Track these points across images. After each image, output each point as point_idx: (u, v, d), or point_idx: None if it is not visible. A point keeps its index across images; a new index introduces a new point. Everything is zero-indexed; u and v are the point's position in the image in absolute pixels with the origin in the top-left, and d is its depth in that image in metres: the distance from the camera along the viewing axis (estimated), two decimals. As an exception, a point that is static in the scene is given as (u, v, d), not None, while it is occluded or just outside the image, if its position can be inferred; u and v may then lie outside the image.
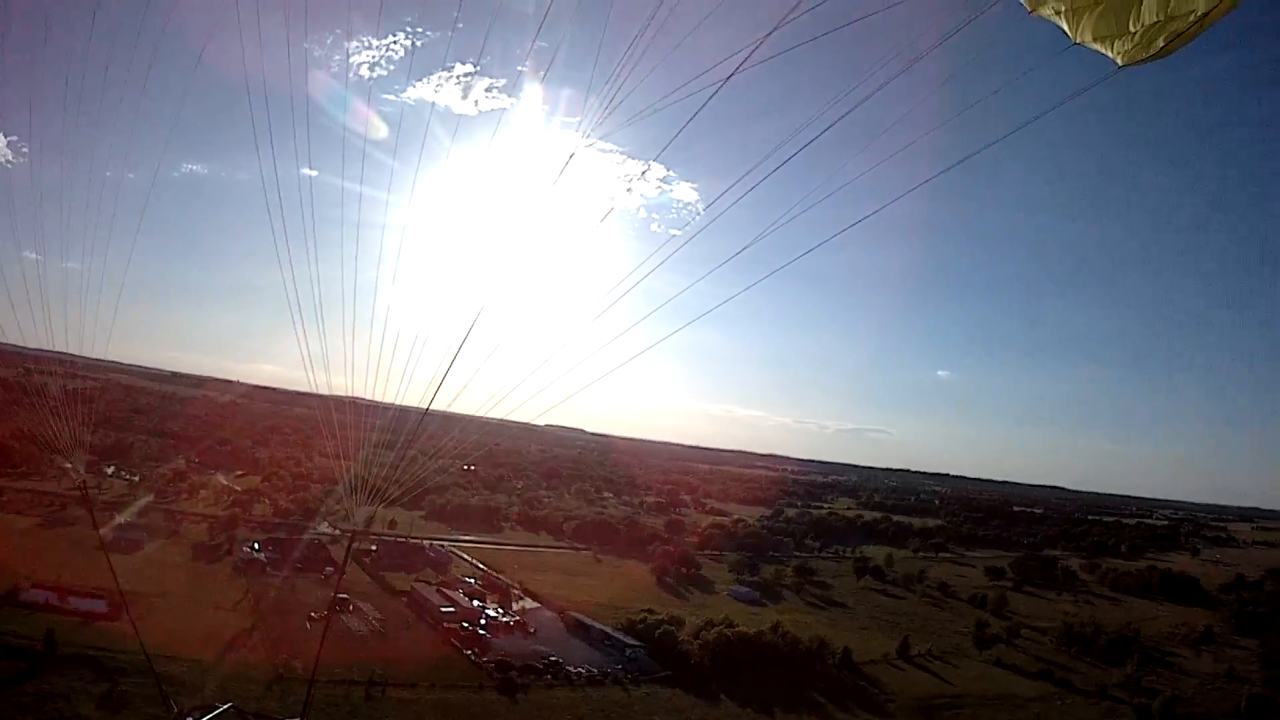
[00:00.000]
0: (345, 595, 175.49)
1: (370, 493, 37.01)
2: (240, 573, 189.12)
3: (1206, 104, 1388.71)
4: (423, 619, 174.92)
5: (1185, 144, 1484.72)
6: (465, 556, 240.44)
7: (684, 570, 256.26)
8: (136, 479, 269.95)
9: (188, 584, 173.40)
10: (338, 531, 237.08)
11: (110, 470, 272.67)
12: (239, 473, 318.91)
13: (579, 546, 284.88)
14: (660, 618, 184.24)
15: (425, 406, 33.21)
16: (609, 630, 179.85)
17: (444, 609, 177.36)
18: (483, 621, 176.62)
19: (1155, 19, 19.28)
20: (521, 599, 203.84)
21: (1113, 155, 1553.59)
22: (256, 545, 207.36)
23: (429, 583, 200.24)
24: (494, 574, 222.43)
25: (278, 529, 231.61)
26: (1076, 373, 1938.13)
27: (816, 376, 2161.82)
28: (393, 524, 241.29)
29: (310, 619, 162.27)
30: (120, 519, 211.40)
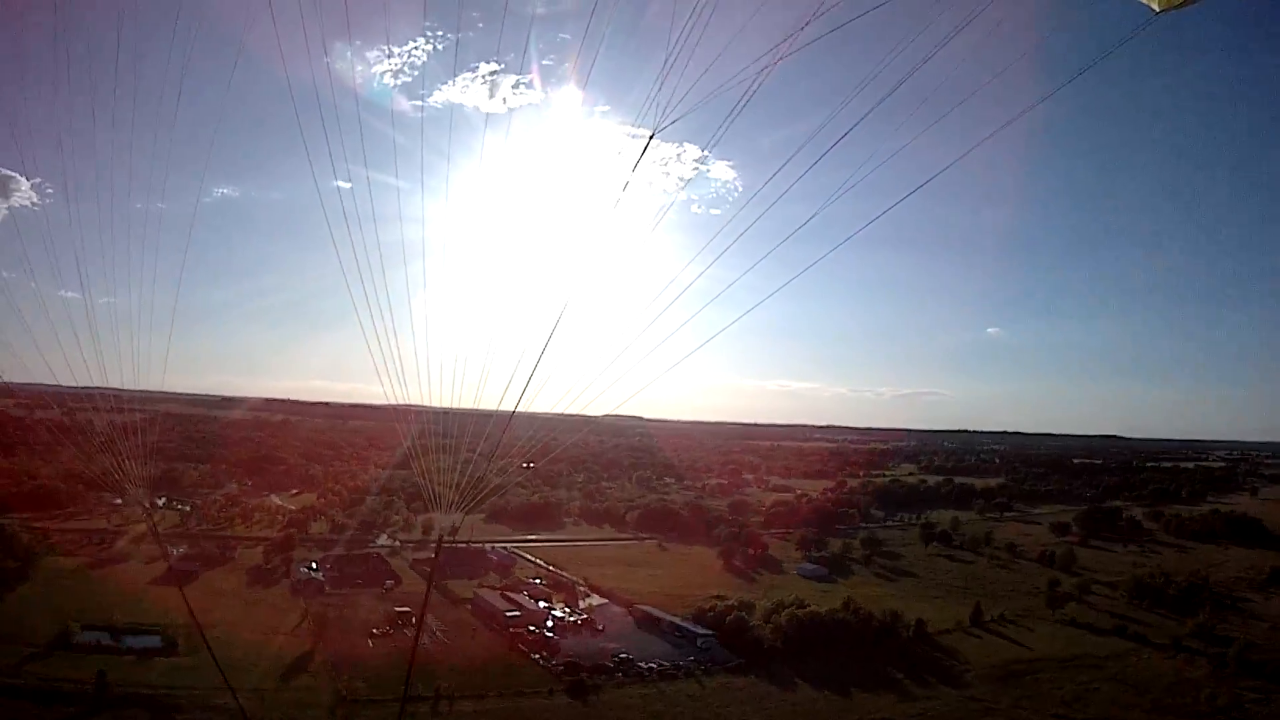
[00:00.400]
0: (407, 608, 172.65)
1: (453, 501, 37.47)
2: (298, 594, 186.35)
3: (1263, 44, 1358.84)
4: (488, 625, 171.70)
5: (1240, 81, 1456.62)
6: (528, 556, 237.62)
7: (751, 551, 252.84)
8: (188, 509, 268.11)
9: (244, 611, 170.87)
10: (398, 543, 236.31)
11: (162, 501, 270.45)
12: (294, 492, 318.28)
13: (643, 536, 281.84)
14: (730, 603, 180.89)
15: (511, 410, 34.50)
16: (678, 621, 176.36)
17: (509, 613, 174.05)
18: (549, 623, 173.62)
19: None
20: (588, 596, 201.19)
21: (1160, 98, 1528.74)
22: (314, 565, 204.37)
23: (493, 587, 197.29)
24: (558, 572, 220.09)
25: (335, 546, 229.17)
26: (1126, 319, 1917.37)
27: (867, 344, 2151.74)
28: (454, 529, 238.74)
29: (372, 636, 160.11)
30: (175, 551, 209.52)
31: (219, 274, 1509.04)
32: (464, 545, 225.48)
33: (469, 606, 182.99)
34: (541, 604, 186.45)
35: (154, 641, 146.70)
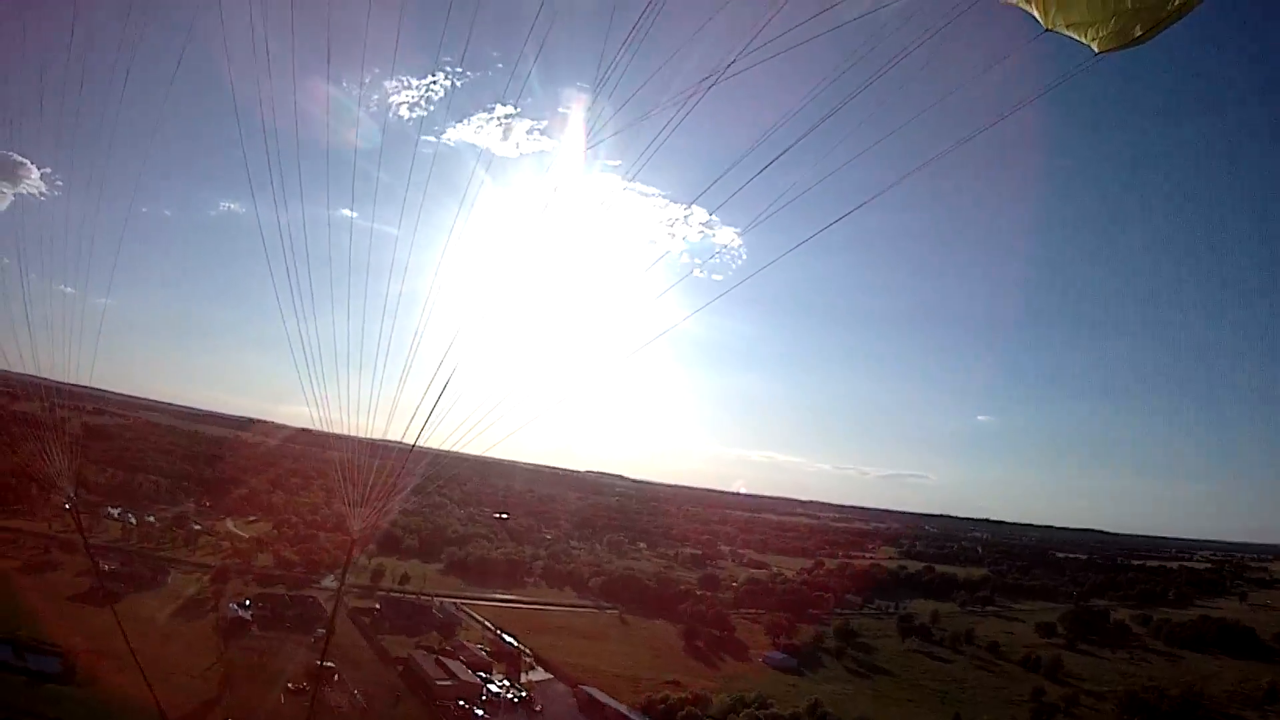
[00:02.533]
0: (331, 664, 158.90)
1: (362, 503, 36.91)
2: (221, 633, 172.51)
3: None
4: (415, 692, 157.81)
5: (1238, 174, 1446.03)
6: (476, 617, 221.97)
7: (716, 633, 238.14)
8: (135, 523, 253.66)
9: (159, 643, 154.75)
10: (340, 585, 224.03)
11: (117, 512, 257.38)
12: (252, 518, 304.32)
13: (605, 605, 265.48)
14: (684, 696, 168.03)
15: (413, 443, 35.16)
16: (625, 711, 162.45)
17: (439, 682, 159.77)
18: (483, 697, 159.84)
19: (1133, 4, 19.60)
20: (532, 668, 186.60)
21: (1149, 188, 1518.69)
22: (247, 602, 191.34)
23: (430, 649, 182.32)
24: (505, 638, 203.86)
25: (274, 583, 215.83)
26: (1115, 411, 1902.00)
27: (857, 422, 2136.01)
28: (404, 579, 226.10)
29: (288, 690, 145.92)
30: (105, 567, 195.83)
31: (224, 290, 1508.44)
32: (414, 596, 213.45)
33: (400, 668, 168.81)
34: (479, 674, 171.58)
35: (53, 665, 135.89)
